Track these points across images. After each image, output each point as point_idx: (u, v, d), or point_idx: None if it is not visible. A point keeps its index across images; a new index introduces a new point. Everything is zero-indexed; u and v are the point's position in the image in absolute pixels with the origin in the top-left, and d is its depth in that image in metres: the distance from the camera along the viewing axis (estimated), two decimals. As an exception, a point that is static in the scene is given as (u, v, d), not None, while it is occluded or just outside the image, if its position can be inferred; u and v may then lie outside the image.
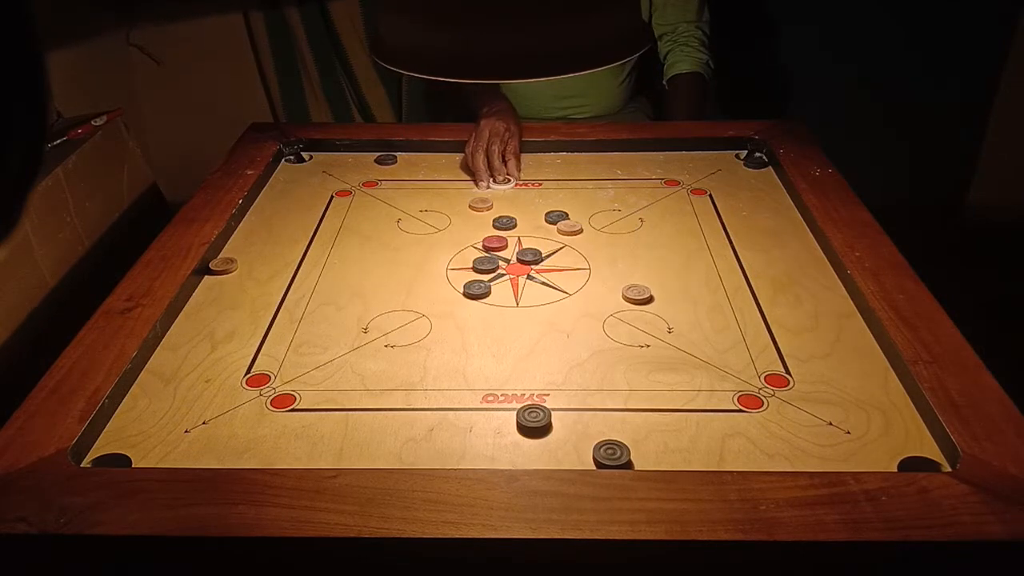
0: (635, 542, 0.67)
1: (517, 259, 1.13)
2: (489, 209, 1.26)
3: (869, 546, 0.66)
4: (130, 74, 2.09)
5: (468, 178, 1.36)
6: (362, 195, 1.31)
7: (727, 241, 1.16)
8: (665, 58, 1.69)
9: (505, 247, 1.16)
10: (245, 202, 1.24)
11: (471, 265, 1.11)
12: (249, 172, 1.31)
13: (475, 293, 1.04)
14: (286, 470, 0.75)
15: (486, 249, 1.15)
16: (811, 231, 1.16)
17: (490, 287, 1.06)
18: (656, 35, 1.70)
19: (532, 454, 0.79)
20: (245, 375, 0.90)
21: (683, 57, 1.65)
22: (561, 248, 1.16)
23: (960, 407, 0.80)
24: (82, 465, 0.77)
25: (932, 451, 0.78)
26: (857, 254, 1.06)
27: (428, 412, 0.85)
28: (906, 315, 0.93)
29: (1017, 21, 2.03)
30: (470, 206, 1.27)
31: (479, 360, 0.92)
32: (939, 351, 0.87)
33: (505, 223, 1.21)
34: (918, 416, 0.82)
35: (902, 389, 0.86)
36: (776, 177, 1.33)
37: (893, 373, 0.89)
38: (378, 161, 1.42)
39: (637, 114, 1.76)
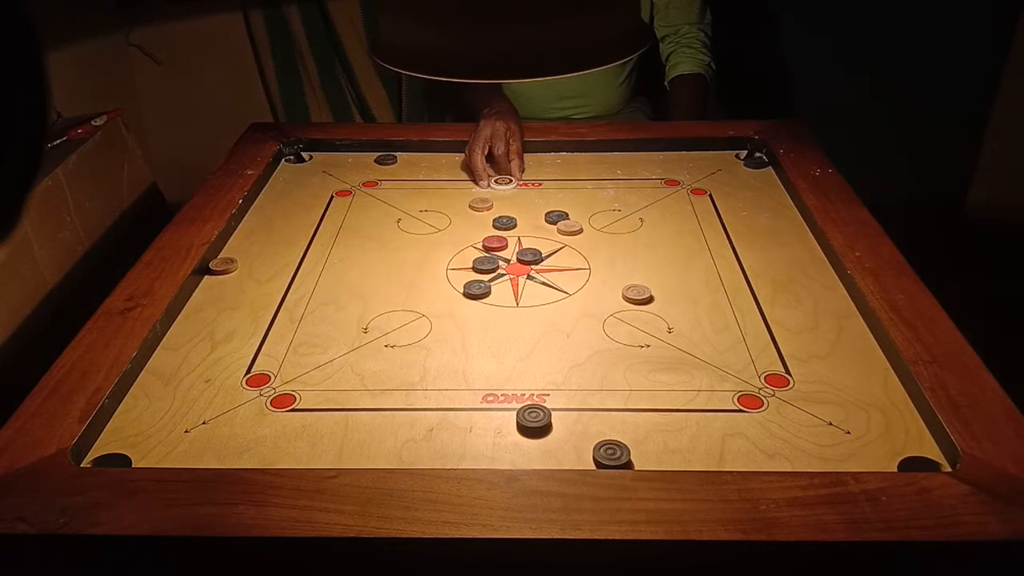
0: (635, 542, 0.67)
1: (517, 259, 1.13)
2: (489, 209, 1.26)
3: (869, 546, 0.66)
4: (130, 74, 2.09)
5: (468, 178, 1.36)
6: (362, 195, 1.31)
7: (727, 241, 1.16)
8: (667, 59, 1.69)
9: (505, 247, 1.16)
10: (245, 202, 1.24)
11: (471, 265, 1.11)
12: (249, 172, 1.31)
13: (475, 293, 1.04)
14: (286, 470, 0.75)
15: (486, 249, 1.15)
16: (811, 231, 1.16)
17: (490, 287, 1.06)
18: (659, 37, 1.70)
19: (532, 454, 0.79)
20: (245, 375, 0.90)
21: (685, 58, 1.66)
22: (561, 248, 1.16)
23: (960, 407, 0.80)
24: (82, 465, 0.77)
25: (932, 451, 0.78)
26: (857, 254, 1.06)
27: (428, 412, 0.84)
28: (906, 315, 0.93)
29: (1017, 21, 2.03)
30: (470, 206, 1.27)
31: (479, 360, 0.92)
32: (939, 351, 0.87)
33: (505, 223, 1.21)
34: (918, 416, 0.82)
35: (902, 389, 0.86)
36: (776, 177, 1.33)
37: (893, 373, 0.89)
38: (378, 161, 1.42)
39: (637, 114, 1.76)
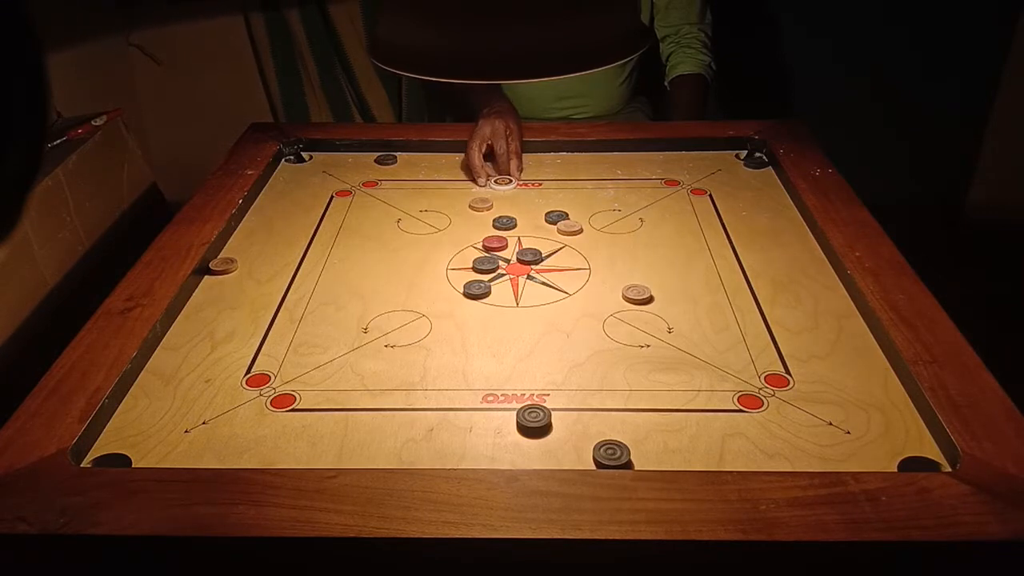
0: (635, 542, 0.67)
1: (517, 259, 1.13)
2: (489, 209, 1.26)
3: (869, 546, 0.66)
4: (130, 74, 2.09)
5: (468, 178, 1.36)
6: (362, 195, 1.31)
7: (727, 241, 1.16)
8: (667, 60, 1.69)
9: (505, 247, 1.16)
10: (245, 202, 1.24)
11: (471, 265, 1.11)
12: (249, 172, 1.31)
13: (475, 293, 1.04)
14: (286, 470, 0.75)
15: (486, 249, 1.15)
16: (811, 231, 1.16)
17: (490, 287, 1.06)
18: (659, 37, 1.70)
19: (532, 454, 0.79)
20: (245, 375, 0.90)
21: (685, 59, 1.66)
22: (561, 248, 1.16)
23: (960, 407, 0.80)
24: (82, 465, 0.77)
25: (932, 451, 0.78)
26: (857, 254, 1.06)
27: (428, 412, 0.85)
28: (906, 315, 0.93)
29: (1017, 21, 2.03)
30: (470, 206, 1.27)
31: (479, 360, 0.92)
32: (939, 351, 0.87)
33: (505, 223, 1.21)
34: (918, 416, 0.82)
35: (902, 389, 0.86)
36: (776, 177, 1.33)
37: (893, 373, 0.89)
38: (378, 161, 1.42)
39: (637, 114, 1.76)
